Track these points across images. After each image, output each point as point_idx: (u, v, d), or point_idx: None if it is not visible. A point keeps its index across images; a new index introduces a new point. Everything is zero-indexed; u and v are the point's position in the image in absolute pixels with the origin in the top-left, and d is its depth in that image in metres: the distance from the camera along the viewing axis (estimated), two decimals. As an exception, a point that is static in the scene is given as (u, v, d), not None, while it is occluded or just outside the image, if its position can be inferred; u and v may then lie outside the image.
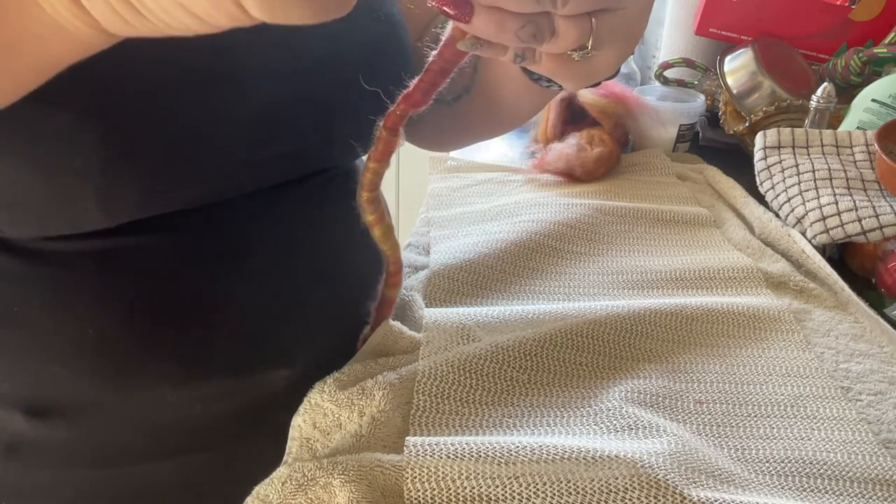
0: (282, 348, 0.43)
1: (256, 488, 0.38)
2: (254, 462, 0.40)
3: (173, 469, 0.43)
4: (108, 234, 0.37)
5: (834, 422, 0.45)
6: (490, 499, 0.36)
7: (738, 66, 0.87)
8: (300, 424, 0.42)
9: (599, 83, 0.37)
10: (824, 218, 0.63)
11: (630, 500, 0.36)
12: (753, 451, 0.43)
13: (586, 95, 0.82)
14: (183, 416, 0.41)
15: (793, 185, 0.69)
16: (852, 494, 0.40)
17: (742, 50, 0.87)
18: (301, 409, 0.43)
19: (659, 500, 0.36)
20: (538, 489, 0.36)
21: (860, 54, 0.83)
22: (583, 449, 0.38)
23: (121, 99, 0.34)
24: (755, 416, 0.46)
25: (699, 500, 0.36)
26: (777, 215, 0.70)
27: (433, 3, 0.29)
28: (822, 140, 0.72)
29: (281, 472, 0.38)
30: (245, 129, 0.39)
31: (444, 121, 0.57)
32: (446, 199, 0.76)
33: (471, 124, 0.59)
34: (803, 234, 0.65)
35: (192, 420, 0.42)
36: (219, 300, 0.40)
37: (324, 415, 0.42)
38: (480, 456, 0.37)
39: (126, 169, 0.35)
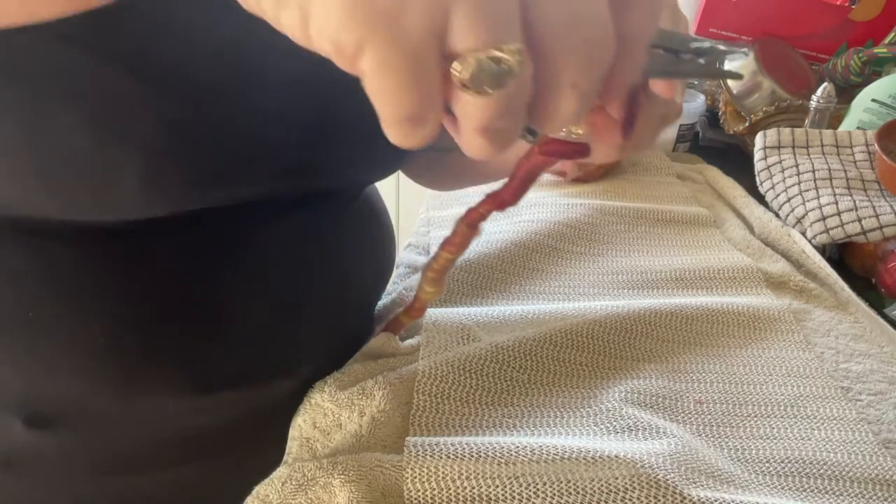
0: (288, 360, 0.43)
1: (256, 488, 0.38)
2: (255, 469, 0.40)
3: (174, 478, 0.43)
4: (119, 237, 0.37)
5: (834, 422, 0.45)
6: (490, 499, 0.36)
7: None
8: (300, 424, 0.42)
9: None
10: (824, 218, 0.63)
11: (630, 500, 0.36)
12: (753, 452, 0.43)
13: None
14: (185, 425, 0.41)
15: (793, 185, 0.69)
16: (852, 494, 0.40)
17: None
18: (301, 408, 0.43)
19: (659, 500, 0.36)
20: (538, 489, 0.36)
21: (860, 54, 0.83)
22: (583, 449, 0.38)
23: (190, 86, 0.34)
24: (755, 416, 0.45)
25: (699, 500, 0.36)
26: (777, 215, 0.70)
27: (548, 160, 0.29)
28: (822, 140, 0.72)
29: (281, 472, 0.38)
30: (294, 133, 0.39)
31: (435, 164, 0.62)
32: (446, 199, 0.76)
33: (459, 173, 0.63)
34: (803, 234, 0.65)
35: (194, 430, 0.41)
36: (228, 312, 0.40)
37: (324, 415, 0.42)
38: (480, 456, 0.37)
39: (176, 154, 0.35)
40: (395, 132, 0.22)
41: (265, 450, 0.43)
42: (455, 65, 0.21)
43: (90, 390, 0.38)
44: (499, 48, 0.20)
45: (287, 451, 0.41)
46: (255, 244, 0.41)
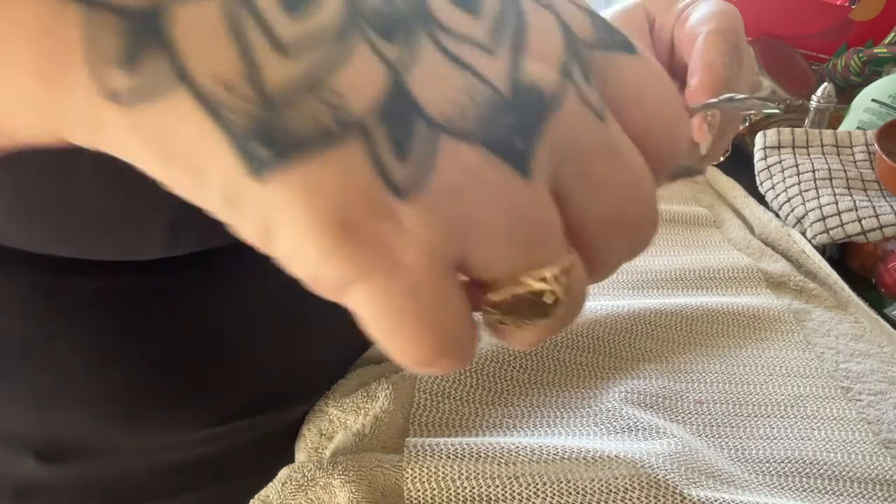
0: (307, 389, 0.43)
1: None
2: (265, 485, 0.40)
3: (186, 502, 0.43)
4: (136, 272, 0.36)
5: (834, 422, 0.45)
6: (490, 499, 0.36)
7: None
8: (305, 434, 0.42)
9: None
10: (824, 218, 0.63)
11: (630, 500, 0.36)
12: (753, 452, 0.43)
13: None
14: (199, 452, 0.41)
15: (793, 185, 0.69)
16: (852, 494, 0.40)
17: (742, 50, 0.87)
18: (306, 417, 0.43)
19: (659, 500, 0.36)
20: (538, 489, 0.36)
21: (860, 54, 0.83)
22: (583, 449, 0.38)
23: None
24: (755, 416, 0.45)
25: (699, 500, 0.36)
26: (777, 215, 0.70)
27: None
28: (822, 140, 0.72)
29: (281, 472, 0.38)
30: None
31: None
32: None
33: None
34: (803, 234, 0.65)
35: (208, 456, 0.41)
36: (250, 345, 0.40)
37: (329, 421, 0.42)
38: (480, 456, 0.37)
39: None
40: (418, 370, 0.18)
41: (278, 467, 0.43)
42: (488, 297, 0.16)
43: (104, 428, 0.38)
44: (538, 276, 0.15)
45: (296, 461, 0.41)
46: (271, 274, 0.41)
